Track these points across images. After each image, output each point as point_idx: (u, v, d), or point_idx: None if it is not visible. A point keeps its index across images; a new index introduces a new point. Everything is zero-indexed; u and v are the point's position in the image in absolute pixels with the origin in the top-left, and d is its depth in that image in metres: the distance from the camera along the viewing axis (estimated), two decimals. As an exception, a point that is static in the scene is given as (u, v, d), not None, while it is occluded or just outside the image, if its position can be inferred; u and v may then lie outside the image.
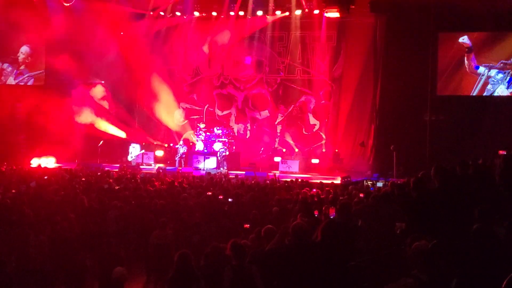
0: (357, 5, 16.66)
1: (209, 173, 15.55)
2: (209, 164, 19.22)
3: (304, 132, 20.74)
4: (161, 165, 19.23)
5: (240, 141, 20.92)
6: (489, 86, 17.21)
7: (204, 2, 20.48)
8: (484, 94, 17.28)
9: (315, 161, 19.53)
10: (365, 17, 18.40)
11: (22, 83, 21.92)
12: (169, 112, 21.45)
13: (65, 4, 19.58)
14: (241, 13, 20.14)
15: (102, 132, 20.68)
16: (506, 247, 4.12)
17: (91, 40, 19.82)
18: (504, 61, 17.02)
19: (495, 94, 17.18)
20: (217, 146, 19.97)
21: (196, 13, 20.85)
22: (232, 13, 20.21)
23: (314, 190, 11.19)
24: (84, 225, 8.16)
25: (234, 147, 20.31)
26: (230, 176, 15.40)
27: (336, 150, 19.31)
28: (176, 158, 19.66)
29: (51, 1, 20.00)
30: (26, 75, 21.90)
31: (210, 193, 10.40)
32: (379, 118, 18.44)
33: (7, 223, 7.86)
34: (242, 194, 10.28)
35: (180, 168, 18.69)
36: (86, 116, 20.54)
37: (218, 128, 20.57)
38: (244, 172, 17.28)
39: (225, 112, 21.70)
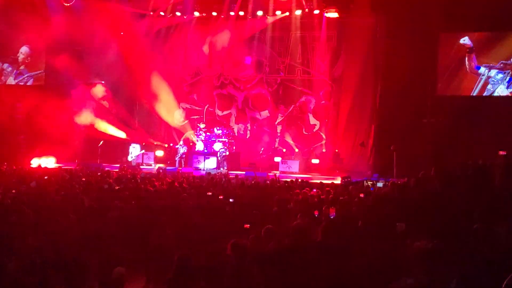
0: (357, 5, 16.66)
1: (209, 173, 15.55)
2: (209, 164, 19.23)
3: (304, 132, 20.74)
4: (161, 165, 19.22)
5: (240, 141, 20.93)
6: (489, 86, 17.23)
7: (204, 2, 20.47)
8: (484, 94, 17.29)
9: (315, 161, 19.53)
10: (365, 17, 18.39)
11: (22, 83, 21.93)
12: (169, 112, 21.46)
13: (65, 4, 19.60)
14: (241, 13, 20.14)
15: (102, 133, 20.69)
16: (506, 247, 4.12)
17: (91, 40, 19.85)
18: (504, 61, 17.03)
19: (495, 94, 17.19)
20: (217, 146, 19.98)
21: (196, 13, 20.85)
22: (232, 13, 20.20)
23: (314, 190, 11.19)
24: (84, 225, 8.16)
25: (234, 147, 20.31)
26: (230, 176, 15.39)
27: (336, 150, 19.32)
28: (176, 158, 19.67)
29: (51, 1, 20.01)
30: (26, 75, 21.92)
31: (210, 193, 10.40)
32: (379, 118, 18.43)
33: (7, 224, 7.86)
34: (242, 194, 10.27)
35: (180, 168, 18.70)
36: (85, 117, 20.54)
37: (218, 128, 20.58)
38: (244, 172, 17.28)
39: (225, 112, 21.70)
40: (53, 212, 8.46)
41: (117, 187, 11.45)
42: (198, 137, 20.55)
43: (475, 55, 17.24)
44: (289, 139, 20.80)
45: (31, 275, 6.99)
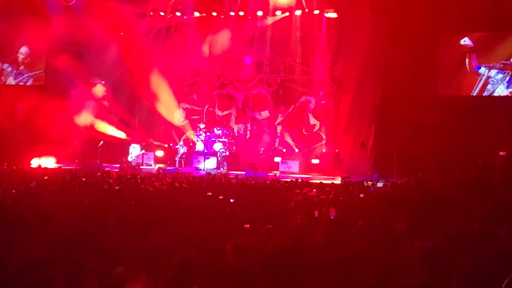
0: (357, 5, 16.65)
1: (209, 174, 15.55)
2: (209, 164, 19.23)
3: (304, 132, 20.75)
4: (161, 165, 19.23)
5: (240, 141, 20.93)
6: (489, 86, 17.25)
7: (204, 2, 20.47)
8: (484, 94, 17.31)
9: (315, 161, 19.54)
10: (365, 17, 18.38)
11: (22, 83, 21.93)
12: (169, 112, 21.47)
13: (65, 4, 19.59)
14: (241, 13, 20.13)
15: (102, 133, 20.70)
16: (506, 247, 4.12)
17: (91, 40, 19.83)
18: (503, 62, 17.04)
19: (495, 94, 17.21)
20: (217, 146, 19.99)
21: (196, 13, 20.83)
22: (232, 13, 20.20)
23: (314, 190, 11.19)
24: (84, 225, 8.15)
25: (234, 147, 20.31)
26: (230, 177, 15.39)
27: (336, 150, 19.31)
28: (176, 159, 19.67)
29: (51, 1, 20.00)
30: (26, 75, 21.92)
31: (210, 194, 10.40)
32: (379, 118, 18.43)
33: (7, 223, 7.85)
34: (242, 194, 10.27)
35: (180, 168, 18.69)
36: (85, 117, 20.55)
37: (218, 128, 20.58)
38: (244, 173, 17.28)
39: (225, 112, 21.70)
40: (53, 212, 8.46)
41: (117, 187, 11.44)
42: (198, 137, 20.55)
43: (475, 55, 17.26)
44: (289, 139, 20.80)
45: (31, 275, 6.99)
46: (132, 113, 21.93)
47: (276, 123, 21.07)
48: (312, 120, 20.64)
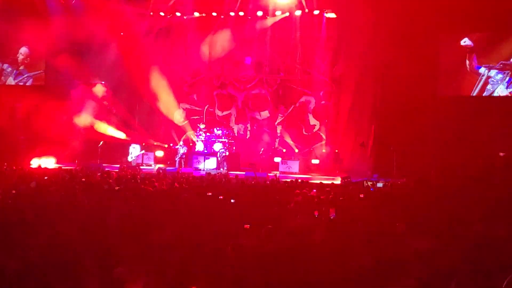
0: (357, 5, 16.66)
1: (209, 174, 15.55)
2: (209, 164, 19.23)
3: (304, 133, 20.75)
4: (161, 165, 19.23)
5: (240, 141, 20.92)
6: (488, 86, 17.26)
7: (204, 2, 20.47)
8: (484, 94, 17.33)
9: (315, 161, 19.55)
10: (365, 17, 18.39)
11: (22, 83, 21.93)
12: (169, 113, 21.46)
13: (65, 4, 19.59)
14: (241, 13, 20.14)
15: (102, 133, 20.70)
16: (506, 247, 4.12)
17: (91, 40, 19.83)
18: (503, 62, 17.06)
19: (495, 94, 17.23)
20: (217, 146, 19.98)
21: (196, 13, 20.83)
22: (232, 13, 20.21)
23: (314, 190, 11.19)
24: (84, 226, 8.15)
25: (234, 148, 20.31)
26: (230, 177, 15.40)
27: (336, 151, 19.32)
28: (176, 159, 19.67)
29: (51, 1, 20.01)
30: (26, 75, 21.92)
31: (210, 194, 10.40)
32: (379, 118, 18.44)
33: (7, 224, 7.85)
34: (242, 194, 10.27)
35: (180, 168, 18.69)
36: (85, 118, 20.55)
37: (218, 128, 20.57)
38: (244, 173, 17.28)
39: (225, 113, 21.70)
40: (53, 212, 8.46)
41: (117, 188, 11.44)
42: (198, 138, 20.55)
43: (475, 55, 17.27)
44: (289, 140, 20.80)
45: (31, 275, 6.99)
46: (132, 113, 21.93)
47: (276, 123, 21.07)
48: (312, 120, 20.64)
